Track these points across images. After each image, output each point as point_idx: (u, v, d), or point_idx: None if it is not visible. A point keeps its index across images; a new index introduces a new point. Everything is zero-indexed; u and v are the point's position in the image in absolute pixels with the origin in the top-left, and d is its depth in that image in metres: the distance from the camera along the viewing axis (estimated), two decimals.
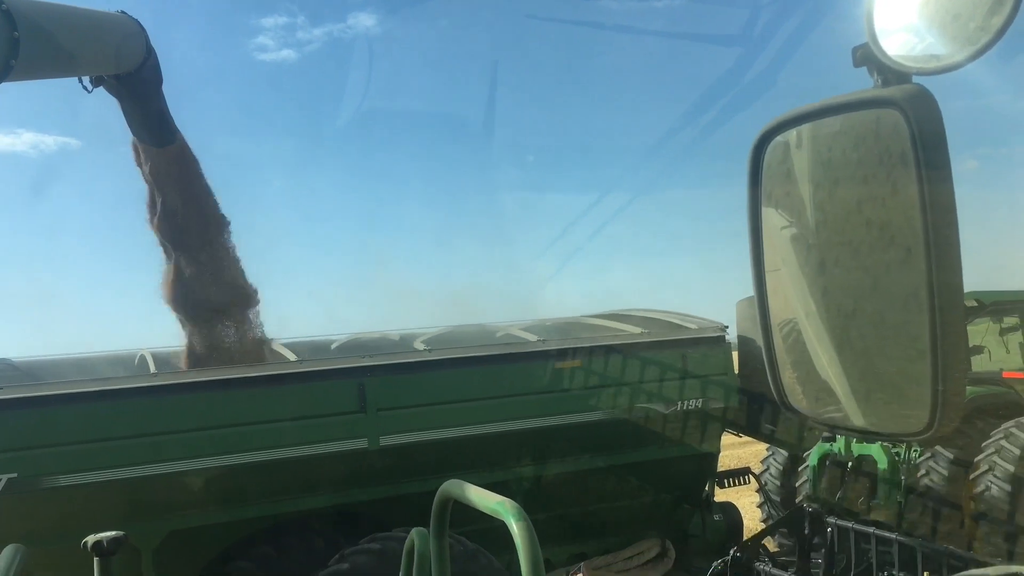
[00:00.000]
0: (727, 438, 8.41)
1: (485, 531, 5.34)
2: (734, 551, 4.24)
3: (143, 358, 7.35)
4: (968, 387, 9.24)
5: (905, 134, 1.31)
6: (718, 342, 7.75)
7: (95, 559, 2.73)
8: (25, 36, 5.02)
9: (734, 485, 8.95)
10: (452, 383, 6.77)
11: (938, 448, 8.65)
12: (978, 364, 10.36)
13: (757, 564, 4.06)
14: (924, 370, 1.35)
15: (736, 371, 7.80)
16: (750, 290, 1.77)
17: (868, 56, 1.43)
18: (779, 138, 1.62)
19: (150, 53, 6.61)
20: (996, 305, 10.20)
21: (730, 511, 8.32)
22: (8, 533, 4.18)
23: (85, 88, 6.43)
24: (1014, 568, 1.47)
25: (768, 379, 1.75)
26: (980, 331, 10.57)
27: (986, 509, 8.30)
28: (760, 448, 11.08)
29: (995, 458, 8.42)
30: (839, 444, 8.62)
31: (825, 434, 8.54)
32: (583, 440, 7.08)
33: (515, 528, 2.30)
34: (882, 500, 8.54)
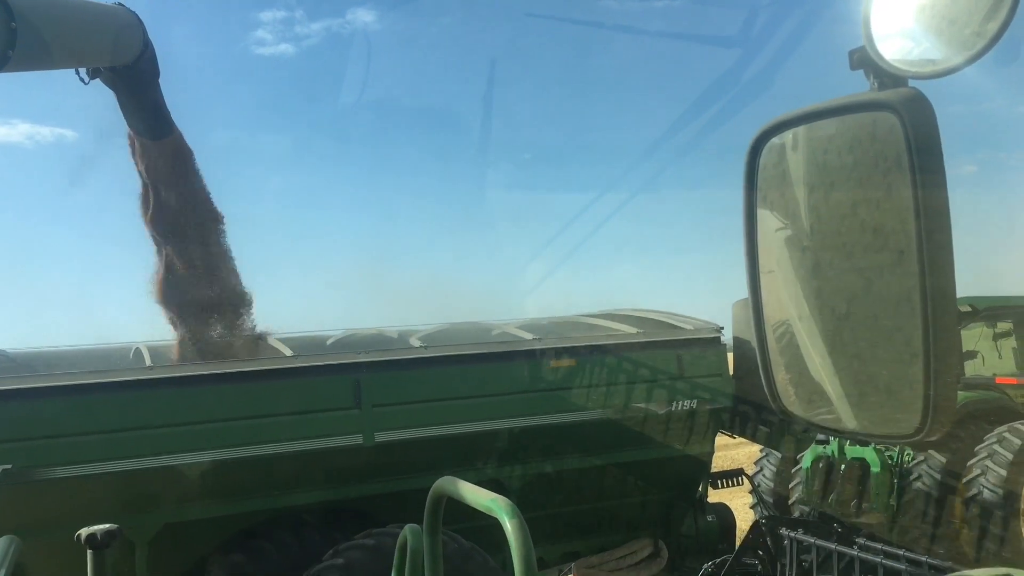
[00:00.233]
0: (721, 439, 8.42)
1: (479, 528, 5.36)
2: (707, 566, 4.24)
3: (139, 351, 7.34)
4: (961, 392, 9.27)
5: (900, 137, 1.32)
6: (713, 343, 7.76)
7: (88, 552, 2.73)
8: (22, 27, 5.01)
9: (727, 486, 8.97)
10: (447, 380, 6.78)
11: (931, 452, 8.68)
12: (972, 369, 10.39)
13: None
14: (916, 373, 1.36)
15: (731, 372, 7.81)
16: (746, 292, 1.78)
17: (865, 59, 1.43)
18: (775, 140, 1.62)
19: (147, 46, 6.60)
20: (990, 310, 10.24)
21: (723, 512, 8.34)
22: (2, 525, 4.18)
23: (82, 80, 6.42)
24: (1004, 570, 1.48)
25: (762, 381, 1.76)
26: (974, 336, 10.60)
27: (978, 512, 8.33)
28: (754, 449, 11.10)
29: (987, 462, 8.45)
30: (832, 447, 8.65)
31: (819, 436, 8.56)
32: (577, 439, 7.09)
33: (508, 526, 2.31)
34: (875, 503, 8.57)
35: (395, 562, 3.16)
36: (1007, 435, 8.56)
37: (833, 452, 8.84)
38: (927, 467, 8.71)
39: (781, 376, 1.72)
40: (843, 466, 8.71)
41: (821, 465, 8.87)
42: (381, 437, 6.41)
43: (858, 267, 1.46)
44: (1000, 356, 10.69)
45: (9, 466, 5.43)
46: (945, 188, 1.30)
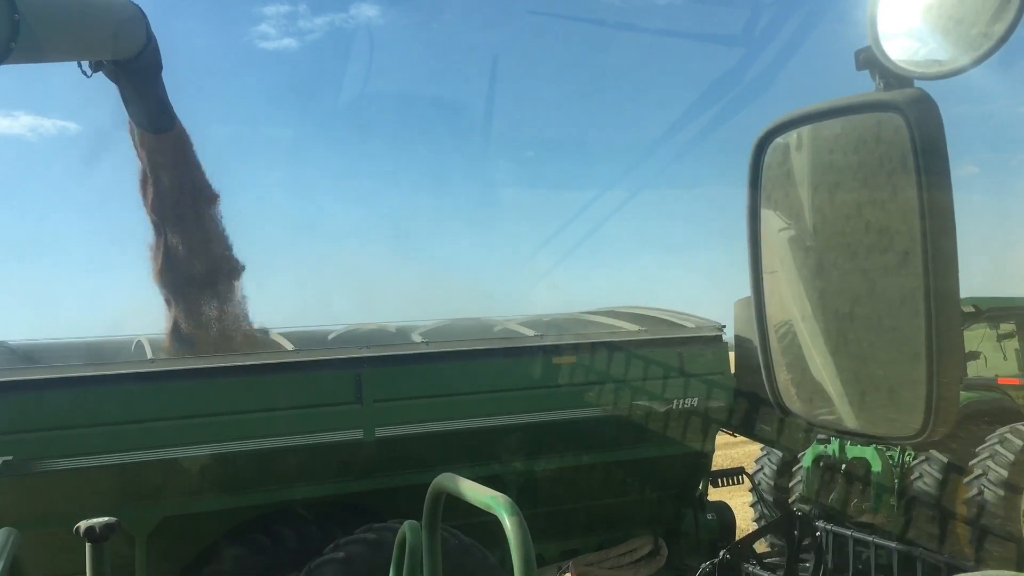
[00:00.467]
0: (721, 437, 8.42)
1: (479, 525, 5.36)
2: (724, 552, 4.24)
3: (140, 344, 7.35)
4: (963, 392, 9.26)
5: (906, 138, 1.31)
6: (715, 341, 7.75)
7: (87, 545, 2.73)
8: (25, 19, 5.00)
9: (728, 485, 8.97)
10: (448, 376, 6.78)
11: (932, 452, 8.67)
12: (974, 370, 10.38)
13: (745, 566, 4.05)
14: (919, 374, 1.36)
15: (732, 371, 7.81)
16: (748, 290, 1.77)
17: (870, 59, 1.43)
18: (779, 140, 1.62)
19: (150, 39, 6.60)
20: (993, 311, 10.23)
21: (723, 510, 8.33)
22: (1, 517, 4.20)
23: (84, 73, 6.41)
24: (1009, 573, 1.48)
25: (763, 380, 1.76)
26: (977, 337, 10.60)
27: (979, 514, 8.32)
28: (754, 448, 11.10)
29: (989, 463, 8.44)
30: (833, 446, 8.65)
31: (819, 436, 8.56)
32: (577, 436, 7.09)
33: (508, 523, 2.31)
34: (875, 503, 8.57)
35: (394, 558, 3.16)
36: (1009, 436, 8.55)
37: (834, 451, 8.83)
38: (928, 467, 8.71)
39: (783, 376, 1.72)
40: (844, 465, 8.70)
41: (822, 464, 8.86)
42: (382, 432, 6.41)
43: (862, 268, 1.46)
44: (1004, 357, 10.69)
45: (9, 457, 5.44)
46: (950, 189, 1.30)
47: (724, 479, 8.86)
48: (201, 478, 6.04)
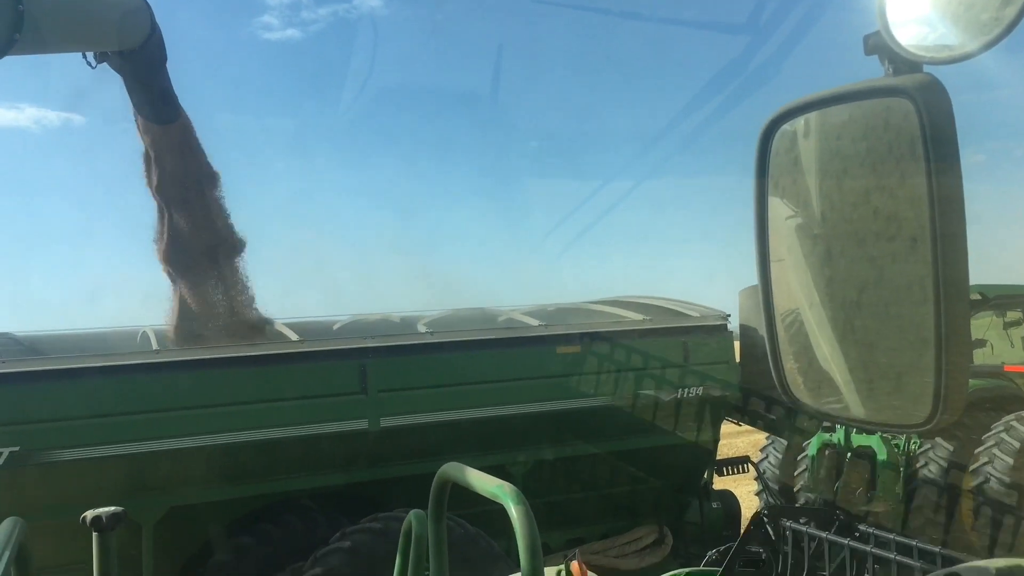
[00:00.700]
0: (727, 426, 8.42)
1: (484, 514, 5.37)
2: (711, 553, 4.25)
3: (145, 335, 7.36)
4: (970, 380, 9.24)
5: (915, 124, 1.30)
6: (720, 331, 7.75)
7: (94, 534, 2.74)
8: (30, 9, 4.99)
9: (733, 473, 8.97)
10: (453, 366, 6.79)
11: (938, 440, 8.67)
12: (980, 357, 10.37)
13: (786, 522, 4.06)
14: (927, 362, 1.35)
15: (737, 360, 7.80)
16: (753, 279, 1.76)
17: (879, 44, 1.41)
18: (787, 126, 1.60)
19: (155, 30, 6.58)
20: (1000, 299, 10.20)
21: (728, 499, 8.35)
22: (8, 506, 4.21)
23: (89, 64, 6.40)
24: (1016, 560, 1.47)
25: (770, 368, 1.75)
26: (983, 325, 10.58)
27: (985, 501, 8.32)
28: (759, 437, 11.10)
29: (995, 451, 8.43)
30: (838, 435, 8.64)
31: (825, 424, 8.55)
32: (582, 426, 7.09)
33: (514, 512, 2.30)
34: (881, 491, 8.56)
35: (400, 547, 3.17)
36: (1015, 424, 8.54)
37: (839, 440, 8.83)
38: (934, 455, 8.70)
39: (790, 364, 1.71)
40: (849, 454, 8.70)
41: (827, 453, 8.85)
42: (387, 422, 6.43)
43: (870, 255, 1.45)
44: (1011, 345, 10.67)
45: (16, 448, 5.46)
46: (960, 176, 1.28)
47: (729, 468, 8.87)
48: (207, 468, 6.06)
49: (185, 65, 7.21)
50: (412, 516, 3.08)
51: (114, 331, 7.76)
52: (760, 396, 7.76)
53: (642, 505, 7.79)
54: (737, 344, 7.94)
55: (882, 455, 8.49)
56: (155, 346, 6.75)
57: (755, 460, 9.76)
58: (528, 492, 2.48)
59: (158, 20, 6.64)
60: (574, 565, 2.52)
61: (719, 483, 8.65)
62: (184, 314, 7.23)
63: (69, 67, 6.35)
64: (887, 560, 3.60)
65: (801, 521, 4.16)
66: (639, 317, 7.74)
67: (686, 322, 7.76)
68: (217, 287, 7.27)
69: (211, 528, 6.31)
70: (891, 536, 3.77)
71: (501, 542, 6.04)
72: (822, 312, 1.59)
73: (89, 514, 2.70)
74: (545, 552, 2.36)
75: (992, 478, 8.33)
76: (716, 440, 7.96)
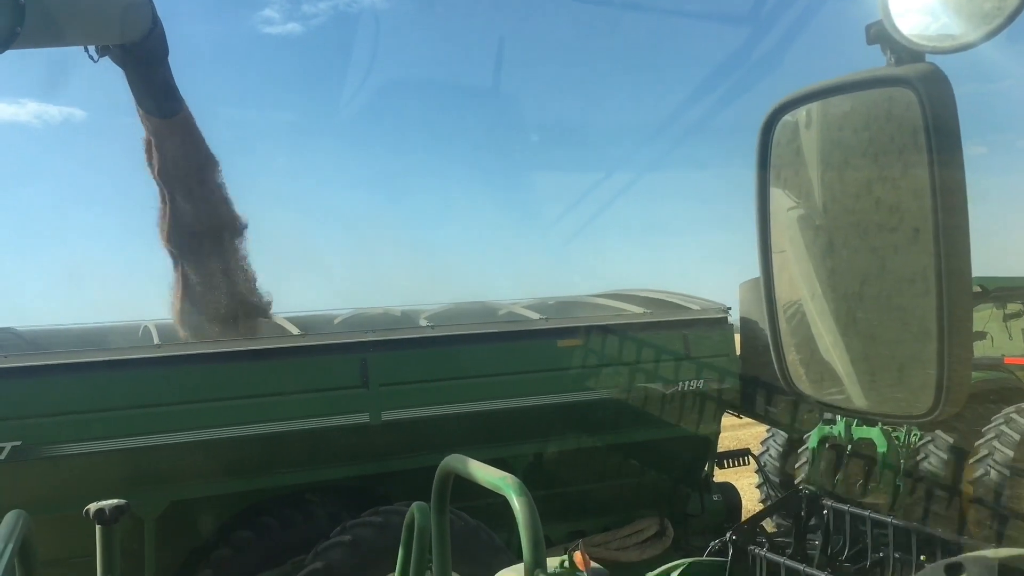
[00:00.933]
0: (727, 419, 8.43)
1: (485, 507, 5.38)
2: (730, 533, 4.24)
3: (147, 329, 7.36)
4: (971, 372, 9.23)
5: (917, 114, 1.30)
6: (720, 323, 7.75)
7: (97, 527, 2.75)
8: (31, 3, 4.98)
9: (734, 466, 8.99)
10: (454, 360, 6.79)
11: (938, 432, 8.67)
12: (980, 350, 10.36)
13: (752, 548, 4.07)
14: (929, 353, 1.35)
15: (738, 353, 7.81)
16: (754, 272, 1.76)
17: (882, 34, 1.41)
18: (788, 117, 1.60)
19: (156, 23, 6.57)
20: (1000, 291, 10.19)
21: (729, 492, 8.36)
22: (11, 500, 4.21)
23: (91, 58, 6.39)
24: (1017, 551, 1.47)
25: (772, 360, 1.75)
26: (983, 317, 10.57)
27: (984, 494, 8.33)
28: (760, 430, 11.11)
29: (995, 443, 8.44)
30: (839, 427, 8.64)
31: (825, 416, 8.56)
32: (584, 419, 7.10)
33: (516, 503, 2.31)
34: (880, 483, 8.57)
35: (403, 539, 3.18)
36: (1015, 416, 8.54)
37: (840, 432, 8.83)
38: (934, 447, 8.70)
39: (792, 356, 1.71)
40: (850, 446, 8.70)
41: (828, 445, 8.86)
42: (388, 416, 6.43)
43: (872, 246, 1.45)
44: (1010, 337, 10.66)
45: (19, 442, 5.47)
46: (962, 166, 1.28)
47: (730, 460, 8.89)
48: (208, 462, 6.07)
49: (187, 59, 7.20)
50: (415, 508, 3.09)
51: (115, 325, 7.77)
52: (761, 388, 7.77)
53: (643, 498, 7.80)
54: (738, 337, 7.94)
55: (883, 447, 8.49)
56: (156, 340, 6.75)
57: (756, 453, 9.78)
58: (529, 485, 2.49)
59: (160, 14, 6.63)
60: (577, 555, 2.52)
61: (720, 475, 8.66)
62: (187, 293, 7.23)
63: (71, 61, 6.35)
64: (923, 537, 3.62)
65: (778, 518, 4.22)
66: (640, 310, 7.74)
67: (687, 315, 7.76)
68: (218, 265, 7.28)
69: (212, 522, 6.32)
70: (896, 522, 3.80)
71: (501, 535, 6.05)
72: (824, 303, 1.59)
73: (92, 507, 2.72)
74: (546, 544, 2.36)
75: (992, 470, 8.34)
76: (717, 433, 7.97)
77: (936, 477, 8.59)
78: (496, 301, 8.62)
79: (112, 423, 5.74)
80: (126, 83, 6.72)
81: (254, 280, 7.49)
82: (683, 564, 3.80)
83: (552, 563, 2.45)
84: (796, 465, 9.88)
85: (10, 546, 2.21)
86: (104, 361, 5.92)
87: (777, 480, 9.99)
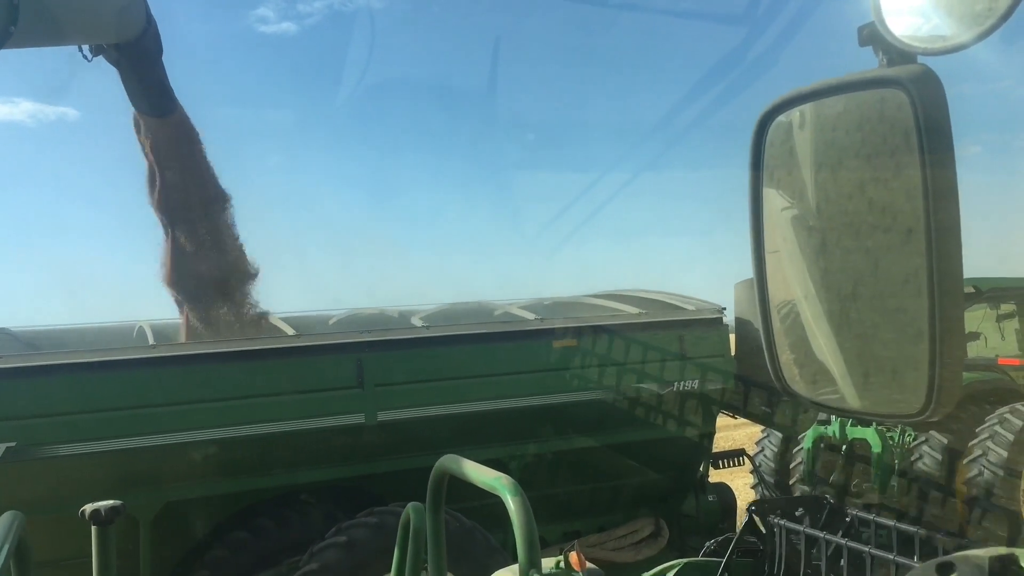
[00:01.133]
0: (722, 419, 8.44)
1: (480, 508, 5.38)
2: (750, 505, 4.26)
3: (142, 330, 7.35)
4: (964, 373, 9.25)
5: (909, 115, 1.30)
6: (715, 324, 7.76)
7: (93, 528, 2.75)
8: (25, 2, 4.97)
9: (729, 466, 9.01)
10: (450, 360, 6.79)
11: (932, 432, 8.69)
12: (974, 350, 10.39)
13: (772, 518, 4.08)
14: (922, 354, 1.35)
15: (733, 353, 7.82)
16: (748, 272, 1.76)
17: (874, 35, 1.41)
18: (782, 118, 1.60)
19: (150, 22, 6.56)
20: (993, 292, 10.22)
21: (724, 492, 8.37)
22: (6, 501, 4.20)
23: (85, 57, 6.38)
24: (1009, 549, 1.48)
25: (766, 361, 1.75)
26: (977, 317, 10.60)
27: (978, 494, 8.35)
28: (755, 430, 11.13)
29: (988, 443, 8.46)
30: (833, 427, 8.67)
31: (820, 417, 8.58)
32: (579, 419, 7.11)
33: (511, 504, 2.31)
34: (875, 483, 8.59)
35: (398, 540, 3.18)
36: (1009, 416, 8.57)
37: (834, 432, 8.85)
38: (928, 448, 8.72)
39: (785, 356, 1.71)
40: (844, 446, 8.73)
41: (822, 445, 8.88)
42: (383, 416, 6.43)
43: (865, 247, 1.45)
44: (1003, 337, 10.69)
45: (13, 443, 5.46)
46: (954, 167, 1.29)
47: (725, 461, 8.90)
48: (203, 463, 6.06)
49: (181, 59, 7.20)
50: (410, 508, 3.09)
51: (110, 326, 7.76)
52: (756, 389, 7.79)
53: (638, 498, 7.81)
54: (732, 337, 7.95)
55: (877, 448, 8.51)
56: (151, 341, 6.74)
57: (751, 453, 9.79)
58: (524, 485, 2.49)
59: (153, 13, 6.63)
60: (572, 556, 2.52)
61: (715, 476, 8.68)
62: (176, 258, 7.24)
63: (64, 61, 6.34)
64: (883, 557, 3.63)
65: (796, 514, 4.21)
66: (635, 311, 7.75)
67: (682, 315, 7.77)
68: (206, 228, 7.31)
69: (208, 523, 6.32)
70: (892, 522, 3.81)
71: (496, 535, 6.05)
72: (817, 304, 1.59)
73: (88, 508, 2.71)
74: (541, 545, 2.36)
75: (986, 470, 8.36)
76: (712, 433, 7.98)
77: (931, 477, 8.62)
78: (492, 301, 8.62)
79: (107, 424, 5.73)
80: (120, 83, 6.72)
81: (241, 246, 7.52)
82: (678, 564, 3.80)
83: (547, 564, 2.45)
84: (791, 465, 9.90)
85: (5, 547, 2.21)
86: (99, 362, 5.91)
87: (772, 481, 10.01)
